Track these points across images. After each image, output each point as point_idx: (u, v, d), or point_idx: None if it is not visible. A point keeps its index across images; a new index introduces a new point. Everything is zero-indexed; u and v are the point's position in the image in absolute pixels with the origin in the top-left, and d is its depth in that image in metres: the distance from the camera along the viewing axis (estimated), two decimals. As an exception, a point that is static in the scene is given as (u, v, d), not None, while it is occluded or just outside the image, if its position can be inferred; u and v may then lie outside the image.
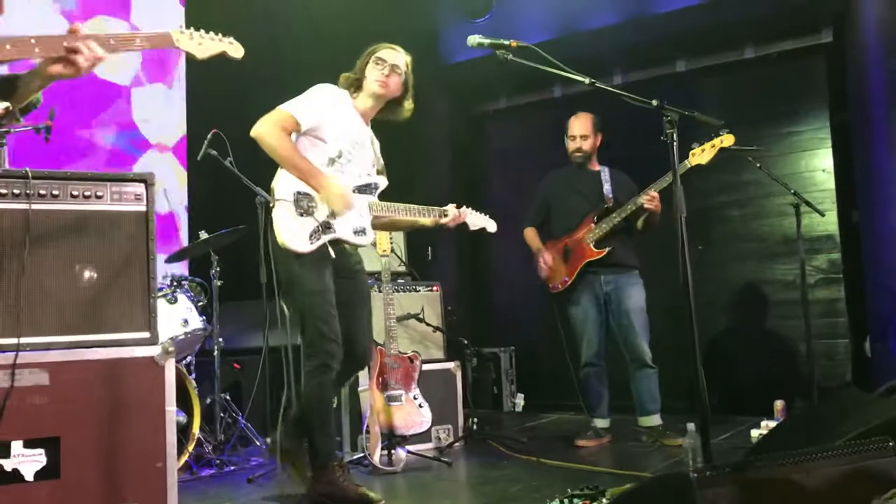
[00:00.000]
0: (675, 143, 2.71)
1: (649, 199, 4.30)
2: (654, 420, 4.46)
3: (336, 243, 3.21)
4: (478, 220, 3.78)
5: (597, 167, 4.69)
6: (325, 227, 3.16)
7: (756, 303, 5.82)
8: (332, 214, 3.17)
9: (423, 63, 6.87)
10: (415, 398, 4.04)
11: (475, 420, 4.80)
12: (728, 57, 6.01)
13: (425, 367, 4.23)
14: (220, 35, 2.37)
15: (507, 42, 2.81)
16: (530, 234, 4.79)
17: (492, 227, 3.85)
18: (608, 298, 4.55)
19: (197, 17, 5.61)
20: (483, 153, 7.27)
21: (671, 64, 6.19)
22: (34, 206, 2.73)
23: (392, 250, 4.29)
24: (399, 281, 4.83)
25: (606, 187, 4.59)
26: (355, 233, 3.27)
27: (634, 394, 4.50)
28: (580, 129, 4.64)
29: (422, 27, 6.95)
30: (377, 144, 3.52)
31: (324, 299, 3.14)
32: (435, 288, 4.86)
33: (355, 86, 3.37)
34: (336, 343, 3.15)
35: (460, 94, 7.07)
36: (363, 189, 3.33)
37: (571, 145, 4.67)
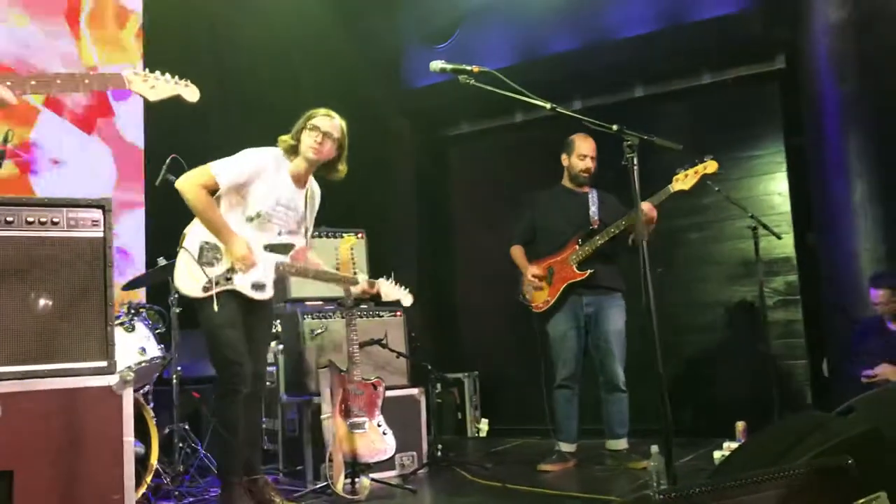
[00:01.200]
0: (635, 168, 2.74)
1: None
2: (622, 444, 4.47)
3: (235, 293, 3.44)
4: (392, 292, 3.91)
5: (586, 189, 4.69)
6: (225, 278, 3.42)
7: (717, 324, 5.90)
8: (232, 269, 3.44)
9: (385, 88, 6.98)
10: (378, 425, 4.00)
11: (439, 446, 4.77)
12: (685, 83, 6.14)
13: (389, 393, 4.18)
14: (175, 77, 2.40)
15: (469, 67, 2.83)
16: (517, 253, 4.77)
17: (407, 300, 3.97)
18: (588, 320, 4.55)
19: (155, 39, 5.59)
20: (446, 177, 7.30)
21: (630, 89, 6.30)
22: (-14, 233, 2.67)
23: (355, 274, 4.25)
24: (362, 306, 4.79)
25: (593, 209, 4.59)
26: (254, 287, 3.50)
27: (604, 417, 4.51)
28: (590, 150, 4.61)
29: (383, 52, 7.00)
30: (315, 201, 3.78)
31: (228, 331, 3.40)
32: (398, 313, 4.83)
33: (291, 150, 3.59)
34: (239, 365, 3.39)
35: (422, 119, 7.11)
36: (276, 248, 3.58)
37: (580, 164, 4.62)
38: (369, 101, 6.80)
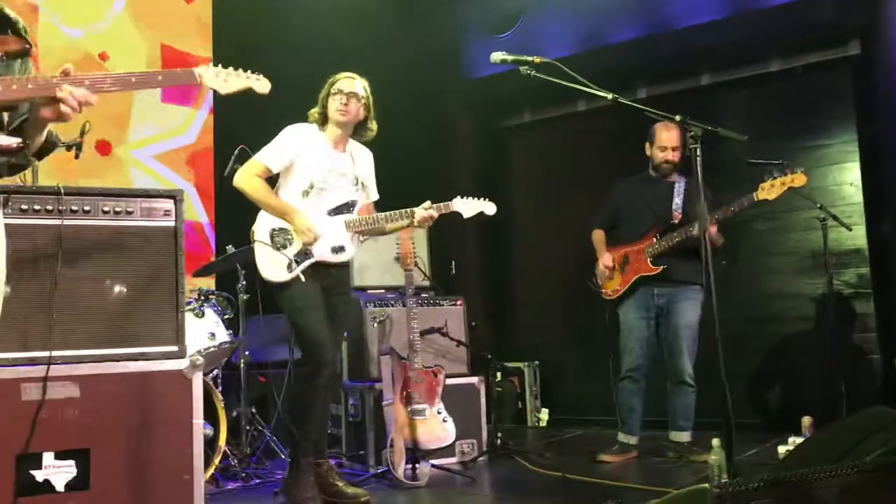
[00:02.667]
0: (698, 158, 2.71)
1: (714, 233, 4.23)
2: (684, 437, 4.42)
3: (319, 266, 3.58)
4: (471, 208, 3.82)
5: (673, 179, 4.61)
6: (303, 254, 3.55)
7: (785, 317, 5.77)
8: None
9: (446, 78, 6.99)
10: (438, 412, 4.05)
11: (499, 435, 4.79)
12: (753, 70, 5.98)
13: (449, 381, 4.23)
14: (247, 71, 2.42)
15: (530, 58, 2.83)
16: (597, 237, 4.74)
17: (490, 209, 3.86)
18: (660, 311, 4.50)
19: (221, 30, 5.73)
20: (507, 167, 7.30)
21: (695, 78, 6.18)
22: (66, 222, 2.79)
23: (416, 265, 4.31)
24: (423, 295, 4.84)
25: (677, 201, 4.51)
26: (333, 251, 3.64)
27: (669, 409, 4.46)
28: (671, 141, 4.53)
29: (444, 43, 7.01)
30: (363, 161, 3.83)
31: (312, 313, 3.53)
32: (458, 302, 4.86)
33: (322, 119, 3.72)
34: (322, 347, 3.50)
35: (483, 109, 7.11)
36: (339, 209, 3.69)
37: (660, 156, 4.55)
38: (430, 91, 6.84)
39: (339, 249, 3.66)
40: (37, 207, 2.77)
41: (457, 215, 3.80)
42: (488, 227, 6.78)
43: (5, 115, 1.91)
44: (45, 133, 2.00)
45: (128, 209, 2.91)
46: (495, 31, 6.74)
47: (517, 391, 6.35)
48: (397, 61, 6.31)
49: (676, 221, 4.45)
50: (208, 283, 5.08)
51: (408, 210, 3.72)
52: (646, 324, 4.50)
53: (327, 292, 3.63)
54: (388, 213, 3.71)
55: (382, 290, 4.81)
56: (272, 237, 3.58)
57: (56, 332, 2.70)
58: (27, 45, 1.94)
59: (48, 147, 2.07)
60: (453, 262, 4.08)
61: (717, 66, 6.09)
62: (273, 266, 3.56)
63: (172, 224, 2.98)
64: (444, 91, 7.07)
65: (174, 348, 2.90)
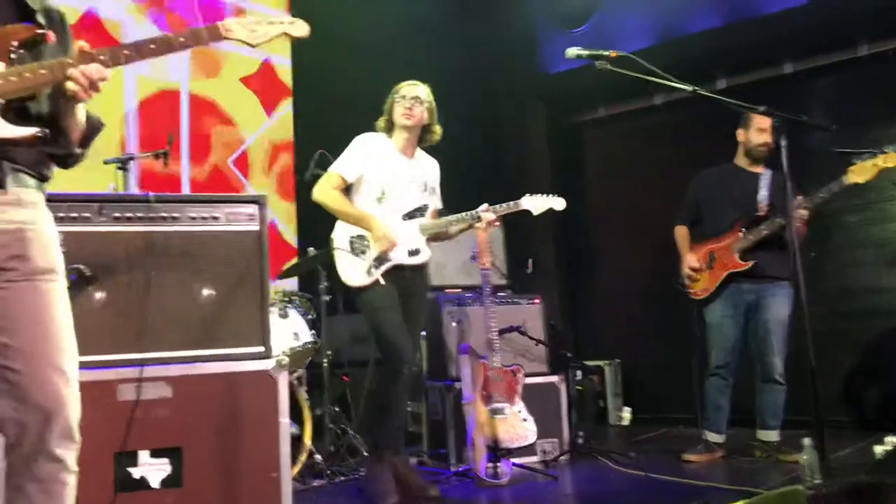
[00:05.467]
0: (784, 150, 2.63)
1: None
2: (772, 435, 4.30)
3: (396, 269, 3.68)
4: (540, 204, 3.86)
5: (759, 169, 4.47)
6: (381, 259, 3.66)
7: (876, 312, 5.54)
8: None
9: (520, 74, 6.97)
10: (519, 411, 4.04)
11: (580, 433, 4.75)
12: (839, 56, 5.76)
13: (528, 380, 4.22)
14: (279, 18, 2.13)
15: (605, 53, 2.80)
16: (680, 234, 4.62)
17: (559, 204, 3.89)
18: (749, 308, 4.38)
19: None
20: (582, 162, 7.22)
21: (778, 66, 5.99)
22: (156, 229, 2.90)
23: (493, 264, 4.31)
24: (500, 294, 4.84)
25: (763, 193, 4.36)
26: (410, 254, 3.75)
27: (757, 407, 4.34)
28: (768, 122, 4.35)
29: (519, 39, 6.99)
30: (431, 169, 3.94)
31: (390, 313, 3.65)
32: (536, 301, 4.84)
33: (388, 127, 3.84)
34: (401, 346, 3.60)
35: (558, 104, 7.05)
36: (412, 214, 3.81)
37: (759, 139, 4.39)
38: (503, 88, 6.82)
39: (414, 252, 3.77)
40: (129, 215, 2.88)
41: (529, 213, 3.84)
42: (566, 224, 6.74)
43: (31, 106, 1.85)
44: (78, 117, 1.91)
45: (214, 215, 3.00)
46: (570, 26, 6.68)
47: (598, 390, 6.28)
48: (468, 62, 6.33)
49: (762, 214, 4.32)
50: (291, 284, 5.19)
51: (473, 212, 3.80)
52: (734, 321, 4.38)
53: (403, 294, 3.73)
54: (455, 216, 3.82)
55: (460, 290, 4.83)
56: (351, 244, 3.72)
57: (148, 334, 2.80)
58: (40, 32, 1.82)
59: (90, 132, 1.97)
60: (531, 261, 4.06)
61: (800, 53, 5.88)
62: (353, 271, 3.70)
63: (257, 228, 3.05)
64: (517, 89, 7.05)
65: (260, 349, 2.98)
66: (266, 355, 2.97)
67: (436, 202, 3.96)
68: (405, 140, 3.83)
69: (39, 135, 1.79)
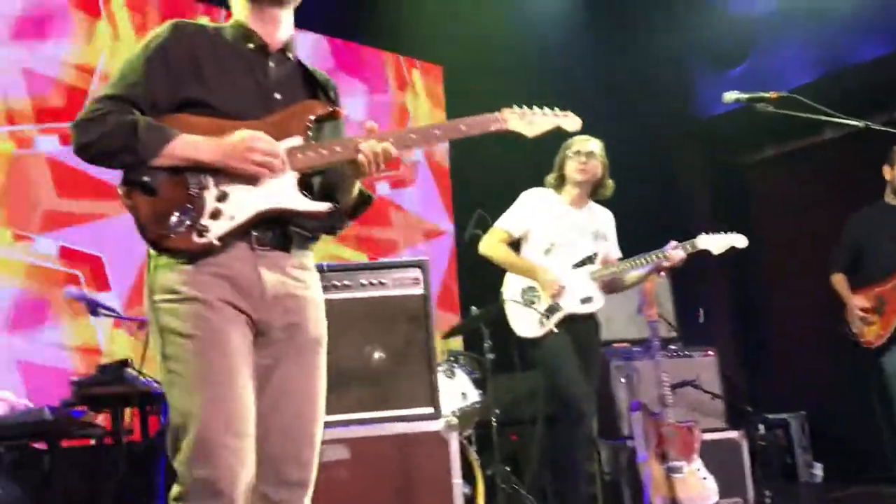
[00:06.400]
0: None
1: None
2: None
3: (569, 319, 3.64)
4: (720, 243, 3.72)
5: None
6: (552, 309, 3.64)
7: None
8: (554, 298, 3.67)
9: (675, 117, 6.82)
10: (697, 469, 3.86)
11: (767, 493, 4.47)
12: None
13: (706, 436, 4.03)
14: (554, 109, 2.12)
15: (766, 94, 2.70)
16: (838, 281, 4.37)
17: (741, 241, 3.74)
18: None
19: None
20: (748, 204, 6.94)
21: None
22: (330, 297, 3.05)
23: (660, 315, 4.20)
24: (670, 347, 4.69)
25: None
26: (582, 302, 3.71)
27: None
28: None
29: (674, 84, 6.86)
30: (604, 218, 3.92)
31: (566, 363, 3.60)
32: (710, 352, 4.65)
33: (558, 182, 3.82)
34: (579, 392, 3.55)
35: (718, 147, 6.84)
36: (582, 262, 3.75)
37: None
38: (657, 131, 6.69)
39: (587, 300, 3.72)
40: (305, 285, 3.05)
41: (705, 255, 3.70)
42: (735, 269, 6.47)
43: (316, 181, 1.94)
44: (355, 191, 1.98)
45: (381, 280, 3.13)
46: (726, 67, 6.50)
47: (784, 445, 5.88)
48: (619, 99, 6.27)
49: None
50: (456, 343, 5.27)
51: (658, 252, 3.67)
52: None
53: (579, 346, 3.67)
54: (633, 258, 3.72)
55: (627, 344, 4.72)
56: (522, 295, 3.72)
57: (327, 398, 2.92)
58: (334, 109, 1.93)
59: (361, 203, 2.02)
60: (701, 311, 3.91)
61: None
62: (525, 323, 3.69)
63: (421, 292, 3.16)
64: (674, 134, 6.91)
65: (430, 410, 3.04)
66: (436, 416, 3.02)
67: (610, 250, 3.90)
68: (575, 195, 3.82)
69: (332, 210, 1.88)
